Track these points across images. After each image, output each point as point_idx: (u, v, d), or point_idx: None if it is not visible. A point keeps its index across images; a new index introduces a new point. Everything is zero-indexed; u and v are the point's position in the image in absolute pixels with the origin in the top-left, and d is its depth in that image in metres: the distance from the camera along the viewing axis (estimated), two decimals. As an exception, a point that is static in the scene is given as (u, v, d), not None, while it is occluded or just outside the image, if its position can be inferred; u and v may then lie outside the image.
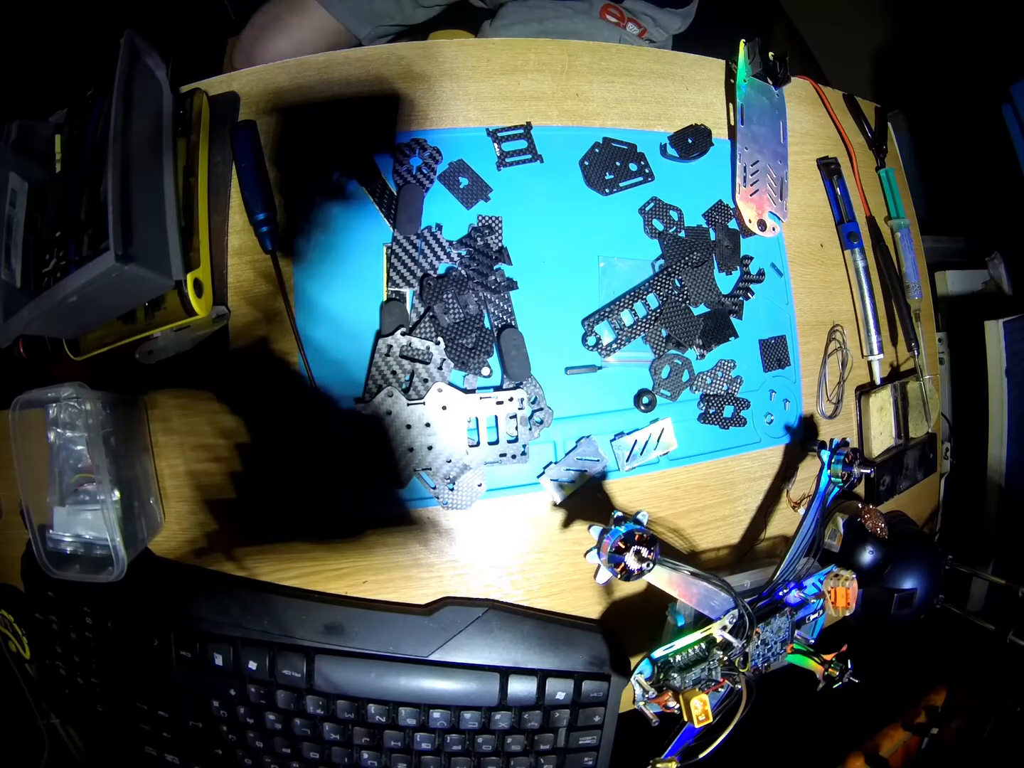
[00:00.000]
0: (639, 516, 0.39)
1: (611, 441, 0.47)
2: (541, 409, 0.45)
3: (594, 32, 0.70)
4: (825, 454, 0.47)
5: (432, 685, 0.41)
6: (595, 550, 0.38)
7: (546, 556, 0.46)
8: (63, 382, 0.39)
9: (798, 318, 0.54)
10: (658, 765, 0.37)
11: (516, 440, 0.44)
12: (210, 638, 0.40)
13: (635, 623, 0.46)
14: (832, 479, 0.47)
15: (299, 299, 0.44)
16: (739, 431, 0.51)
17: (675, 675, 0.37)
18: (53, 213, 0.38)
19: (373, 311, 0.44)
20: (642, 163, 0.50)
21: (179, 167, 0.42)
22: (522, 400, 0.44)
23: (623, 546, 0.36)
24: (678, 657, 0.38)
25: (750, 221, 0.51)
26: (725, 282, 0.52)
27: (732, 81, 0.54)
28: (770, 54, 0.53)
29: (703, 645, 0.39)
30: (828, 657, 0.43)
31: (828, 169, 0.58)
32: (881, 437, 0.57)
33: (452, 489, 0.43)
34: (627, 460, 0.47)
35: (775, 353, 0.53)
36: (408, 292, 0.44)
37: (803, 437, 0.54)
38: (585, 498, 0.46)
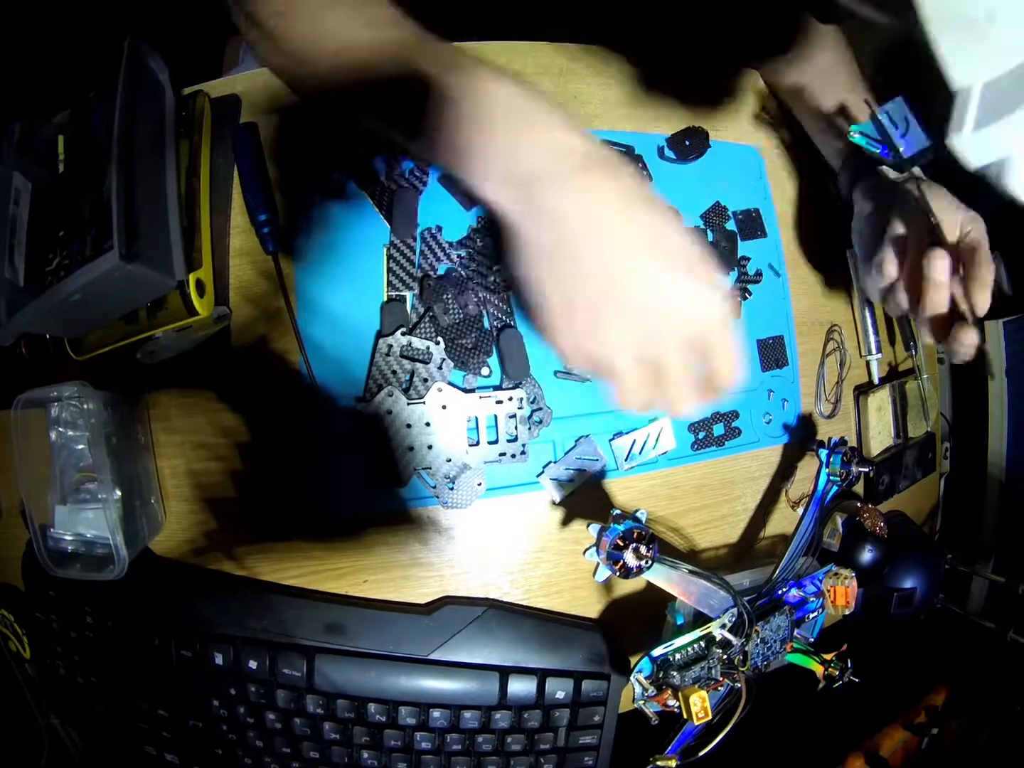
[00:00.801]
0: (638, 514, 0.39)
1: (609, 441, 0.47)
2: (540, 408, 0.45)
3: None
4: (823, 453, 0.47)
5: (432, 684, 0.41)
6: (594, 548, 0.38)
7: (545, 555, 0.46)
8: (65, 381, 0.39)
9: (796, 318, 0.55)
10: (658, 762, 0.37)
11: (515, 439, 0.44)
12: (210, 637, 0.40)
13: (634, 622, 0.46)
14: (831, 478, 0.47)
15: (300, 299, 0.44)
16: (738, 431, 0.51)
17: (674, 673, 0.37)
18: (56, 213, 0.39)
19: (373, 311, 0.44)
20: (640, 165, 0.51)
21: (181, 168, 0.42)
22: (521, 400, 0.44)
23: (622, 543, 0.36)
24: (677, 656, 0.38)
25: None
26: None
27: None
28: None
29: (702, 643, 0.39)
30: (828, 656, 0.43)
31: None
32: (880, 437, 0.57)
33: (452, 488, 0.44)
34: (626, 460, 0.47)
35: (773, 353, 0.53)
36: (408, 294, 0.45)
37: (802, 437, 0.54)
38: (584, 497, 0.46)
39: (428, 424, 0.43)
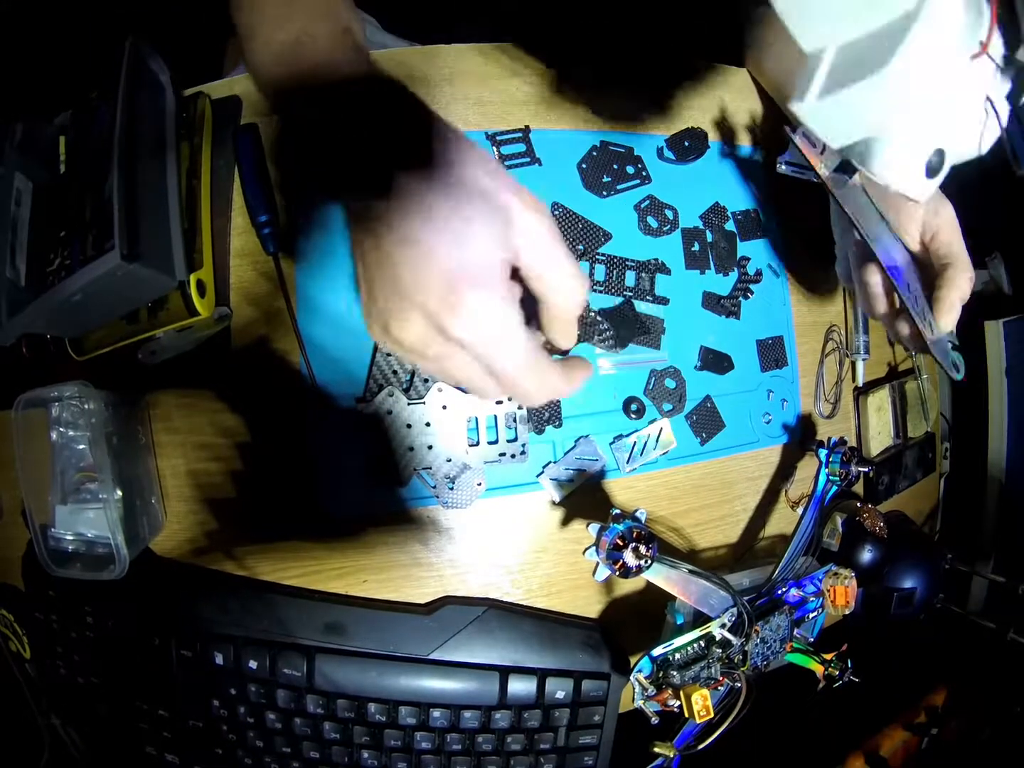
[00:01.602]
0: (637, 514, 0.39)
1: (610, 444, 0.47)
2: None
3: None
4: (823, 453, 0.47)
5: (432, 684, 0.41)
6: (594, 547, 0.38)
7: (545, 555, 0.46)
8: (66, 381, 0.39)
9: (795, 318, 0.55)
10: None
11: (515, 439, 0.44)
12: (211, 637, 0.40)
13: (634, 622, 0.46)
14: (830, 478, 0.47)
15: (300, 300, 0.44)
16: (738, 431, 0.51)
17: (674, 673, 0.37)
18: (58, 213, 0.39)
19: (373, 311, 0.44)
20: (639, 166, 0.51)
21: (182, 169, 0.43)
22: (521, 399, 0.44)
23: (621, 543, 0.36)
24: (677, 655, 0.38)
25: None
26: (723, 283, 0.52)
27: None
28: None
29: (702, 643, 0.39)
30: (828, 656, 0.43)
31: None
32: (879, 437, 0.57)
33: (452, 488, 0.44)
34: (628, 462, 0.47)
35: (772, 353, 0.53)
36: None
37: (801, 436, 0.54)
38: (584, 497, 0.46)
39: (428, 424, 0.43)
